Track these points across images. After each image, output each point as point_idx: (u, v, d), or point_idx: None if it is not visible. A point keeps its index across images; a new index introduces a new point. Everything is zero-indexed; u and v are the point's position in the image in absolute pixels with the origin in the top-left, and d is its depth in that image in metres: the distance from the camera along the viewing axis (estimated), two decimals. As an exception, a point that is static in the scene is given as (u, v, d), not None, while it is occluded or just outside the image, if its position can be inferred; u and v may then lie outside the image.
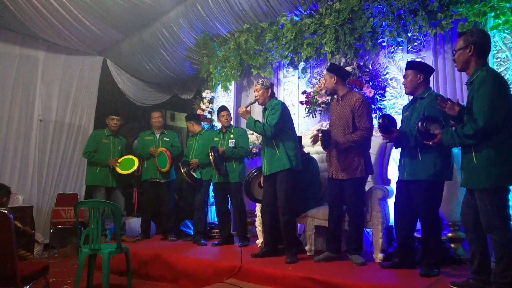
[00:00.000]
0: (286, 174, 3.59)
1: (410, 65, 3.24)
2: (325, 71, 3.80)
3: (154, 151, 5.01)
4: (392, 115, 3.66)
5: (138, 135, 5.52)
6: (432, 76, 4.18)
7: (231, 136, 4.51)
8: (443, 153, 2.97)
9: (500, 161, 2.37)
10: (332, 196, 3.56)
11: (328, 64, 4.56)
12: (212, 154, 4.31)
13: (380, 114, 3.42)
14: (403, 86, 3.34)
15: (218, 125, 5.86)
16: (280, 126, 3.61)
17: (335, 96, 3.66)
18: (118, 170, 5.00)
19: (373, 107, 4.30)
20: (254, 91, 3.85)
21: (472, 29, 2.90)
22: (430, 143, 2.68)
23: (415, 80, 3.14)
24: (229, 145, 4.46)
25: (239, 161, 4.46)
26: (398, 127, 3.25)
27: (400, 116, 3.40)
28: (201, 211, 4.75)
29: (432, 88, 4.17)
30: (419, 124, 2.72)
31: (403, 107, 3.40)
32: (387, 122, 3.12)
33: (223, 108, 4.70)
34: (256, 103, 3.88)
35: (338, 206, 3.53)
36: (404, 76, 3.24)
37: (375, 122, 3.70)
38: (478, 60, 2.57)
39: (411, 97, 3.34)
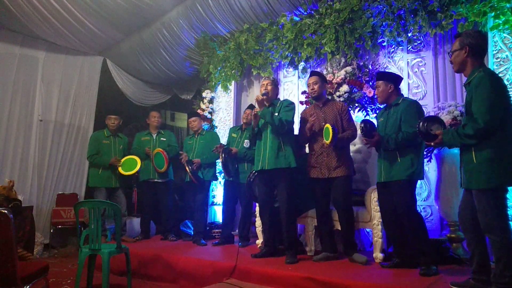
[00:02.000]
0: (289, 173, 3.62)
1: (380, 76, 3.39)
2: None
3: (149, 151, 5.00)
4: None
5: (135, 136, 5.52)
6: (432, 76, 4.23)
7: (249, 136, 4.43)
8: (419, 155, 3.11)
9: (499, 161, 2.37)
10: (321, 196, 3.58)
11: (328, 63, 4.58)
12: (223, 155, 4.30)
13: (361, 119, 3.55)
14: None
15: (218, 125, 5.88)
16: (292, 125, 3.70)
17: (314, 102, 3.78)
18: (121, 171, 5.00)
19: (372, 107, 4.31)
20: (262, 86, 3.78)
21: (468, 30, 2.91)
22: (432, 143, 2.69)
23: (386, 89, 3.28)
24: (244, 145, 4.45)
25: (252, 163, 4.36)
26: None
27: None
28: (202, 212, 4.75)
29: (432, 88, 4.21)
30: (420, 124, 2.72)
31: (377, 114, 3.54)
32: (369, 126, 3.23)
33: (250, 107, 4.69)
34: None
35: (327, 206, 3.59)
36: (376, 87, 3.36)
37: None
38: (474, 61, 2.57)
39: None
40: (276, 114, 3.63)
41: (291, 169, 3.62)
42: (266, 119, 3.62)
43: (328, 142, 3.36)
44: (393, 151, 3.12)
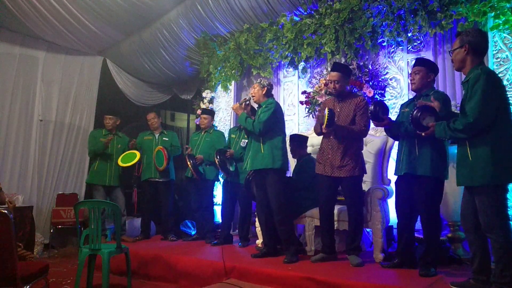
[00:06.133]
0: (275, 174, 3.59)
1: (423, 62, 3.18)
2: (329, 70, 3.71)
3: (132, 144, 5.13)
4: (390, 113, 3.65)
5: (138, 135, 5.54)
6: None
7: (245, 136, 4.36)
8: (439, 151, 2.99)
9: (496, 158, 2.37)
10: (325, 194, 3.51)
11: (332, 63, 4.53)
12: (218, 158, 4.31)
13: (373, 101, 3.42)
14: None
15: (218, 125, 5.88)
16: (270, 125, 3.60)
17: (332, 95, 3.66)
18: (120, 163, 5.02)
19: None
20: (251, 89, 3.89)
21: (468, 29, 2.90)
22: (423, 134, 2.71)
23: (426, 78, 3.11)
24: (241, 145, 4.45)
25: None
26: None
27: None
28: (210, 212, 4.76)
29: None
30: (414, 113, 2.72)
31: (402, 105, 3.39)
32: (379, 109, 3.17)
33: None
34: (251, 100, 3.90)
35: (331, 205, 3.53)
36: (415, 72, 3.14)
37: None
38: (474, 59, 2.58)
39: (411, 97, 3.34)
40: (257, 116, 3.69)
41: (276, 170, 3.58)
42: (242, 124, 3.74)
43: (324, 126, 3.30)
44: (412, 141, 3.02)
